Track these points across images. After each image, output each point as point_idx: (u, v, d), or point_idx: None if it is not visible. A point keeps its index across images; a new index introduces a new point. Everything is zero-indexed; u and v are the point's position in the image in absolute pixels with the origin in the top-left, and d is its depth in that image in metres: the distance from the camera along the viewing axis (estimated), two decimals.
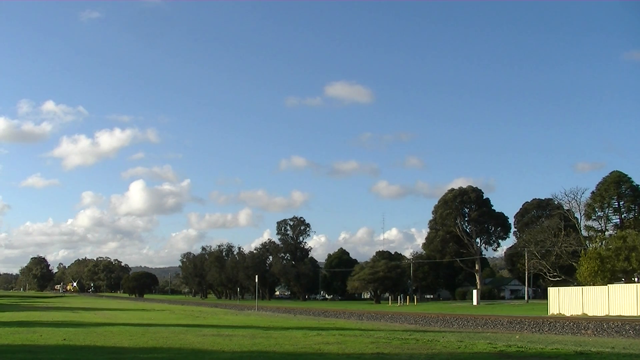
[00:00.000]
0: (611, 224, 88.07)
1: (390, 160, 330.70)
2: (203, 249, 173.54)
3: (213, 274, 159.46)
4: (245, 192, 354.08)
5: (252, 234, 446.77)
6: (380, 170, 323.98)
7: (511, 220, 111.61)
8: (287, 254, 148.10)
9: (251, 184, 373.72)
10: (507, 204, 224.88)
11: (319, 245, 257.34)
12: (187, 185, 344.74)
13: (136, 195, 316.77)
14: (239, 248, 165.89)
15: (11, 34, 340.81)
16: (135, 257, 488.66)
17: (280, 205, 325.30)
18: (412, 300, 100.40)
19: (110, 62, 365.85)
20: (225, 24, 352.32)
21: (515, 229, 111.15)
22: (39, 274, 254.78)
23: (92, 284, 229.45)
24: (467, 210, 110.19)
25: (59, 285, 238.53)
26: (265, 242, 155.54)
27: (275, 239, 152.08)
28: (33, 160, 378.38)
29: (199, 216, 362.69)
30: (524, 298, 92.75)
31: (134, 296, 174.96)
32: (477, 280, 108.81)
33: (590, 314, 48.35)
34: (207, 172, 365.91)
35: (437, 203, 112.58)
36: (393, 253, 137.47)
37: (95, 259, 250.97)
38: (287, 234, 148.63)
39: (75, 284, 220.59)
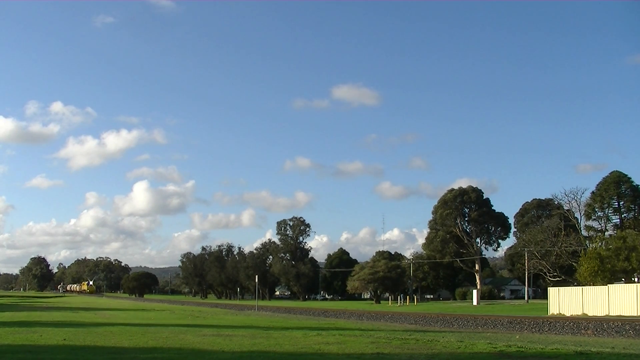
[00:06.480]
0: (611, 224, 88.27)
1: (395, 162, 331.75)
2: (203, 249, 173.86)
3: (213, 274, 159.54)
4: (249, 193, 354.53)
5: (254, 234, 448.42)
6: (384, 171, 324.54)
7: (511, 220, 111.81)
8: (287, 254, 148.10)
9: (255, 185, 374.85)
10: (510, 205, 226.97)
11: (320, 246, 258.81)
12: (192, 186, 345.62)
13: (140, 195, 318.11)
14: (239, 248, 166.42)
15: (20, 35, 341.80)
16: (137, 257, 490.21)
17: (284, 205, 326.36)
18: (412, 300, 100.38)
19: (119, 64, 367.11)
20: (232, 27, 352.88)
21: (515, 229, 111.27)
22: (39, 274, 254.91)
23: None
24: (467, 210, 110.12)
25: (60, 285, 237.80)
26: (265, 242, 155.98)
27: (276, 239, 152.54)
28: (38, 161, 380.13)
29: (202, 217, 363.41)
30: (524, 298, 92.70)
31: (134, 296, 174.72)
32: (477, 280, 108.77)
33: (590, 314, 48.31)
34: (212, 173, 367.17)
35: (437, 203, 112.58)
36: (393, 253, 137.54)
37: (95, 259, 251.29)
38: (287, 234, 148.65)
39: (91, 283, 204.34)
